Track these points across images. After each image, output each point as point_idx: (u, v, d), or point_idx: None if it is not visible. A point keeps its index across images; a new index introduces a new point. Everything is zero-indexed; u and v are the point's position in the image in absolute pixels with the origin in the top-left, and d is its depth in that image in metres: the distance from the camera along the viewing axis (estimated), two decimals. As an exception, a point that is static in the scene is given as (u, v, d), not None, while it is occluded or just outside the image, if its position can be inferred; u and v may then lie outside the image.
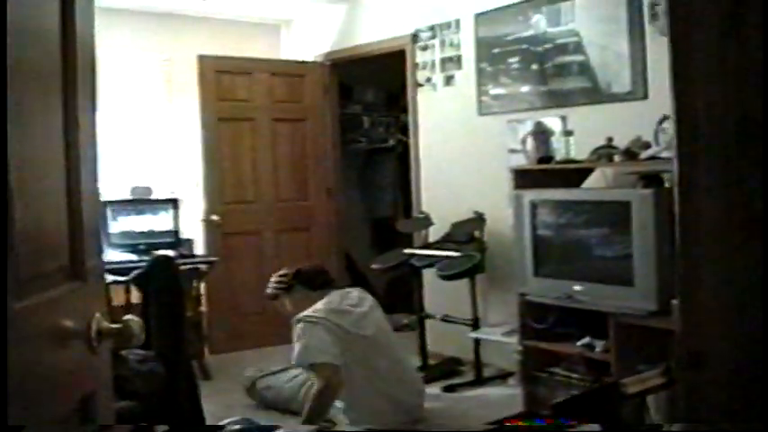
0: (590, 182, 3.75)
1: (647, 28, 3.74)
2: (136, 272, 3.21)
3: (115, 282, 4.07)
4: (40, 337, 1.04)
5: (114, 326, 1.23)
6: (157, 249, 4.92)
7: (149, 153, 5.63)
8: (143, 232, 5.01)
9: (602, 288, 3.33)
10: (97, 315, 1.21)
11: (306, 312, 3.52)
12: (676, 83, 1.39)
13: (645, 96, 3.76)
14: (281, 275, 3.81)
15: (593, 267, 3.45)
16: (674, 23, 1.36)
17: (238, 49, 5.61)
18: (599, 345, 3.36)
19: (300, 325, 3.47)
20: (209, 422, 3.04)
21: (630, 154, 3.49)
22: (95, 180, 1.34)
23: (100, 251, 1.39)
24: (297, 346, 3.45)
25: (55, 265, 1.15)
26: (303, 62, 5.88)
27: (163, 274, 2.89)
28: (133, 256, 4.72)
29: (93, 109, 1.33)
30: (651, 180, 3.40)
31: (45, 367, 1.06)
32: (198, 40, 5.62)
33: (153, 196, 5.27)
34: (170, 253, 4.92)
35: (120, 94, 5.46)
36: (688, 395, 1.35)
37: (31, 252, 1.03)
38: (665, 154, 3.37)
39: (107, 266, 4.37)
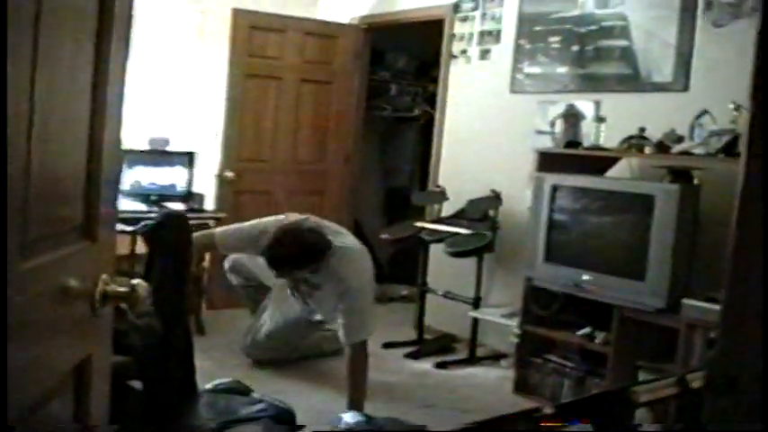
0: (615, 171, 3.61)
1: (699, 18, 3.58)
2: (145, 223, 3.17)
3: (122, 231, 4.04)
4: (41, 297, 1.00)
5: (121, 289, 1.19)
6: (168, 202, 4.92)
7: (172, 104, 5.60)
8: (156, 183, 5.00)
9: (611, 280, 3.22)
10: (104, 276, 1.17)
11: (354, 279, 3.31)
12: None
13: (685, 88, 3.61)
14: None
15: (606, 258, 3.33)
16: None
17: (274, 5, 5.53)
18: (599, 336, 3.28)
19: (357, 295, 3.29)
20: (200, 379, 3.00)
21: (662, 147, 3.36)
22: (119, 134, 1.29)
23: (114, 209, 1.34)
24: (356, 321, 3.26)
25: (68, 225, 1.11)
26: (338, 24, 5.79)
27: (174, 230, 2.84)
28: (143, 206, 4.70)
29: (125, 58, 1.28)
30: (679, 175, 3.26)
31: (43, 328, 1.01)
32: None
33: (170, 148, 5.24)
34: (181, 206, 4.92)
35: (149, 42, 5.43)
36: (720, 421, 1.25)
37: (44, 209, 0.99)
38: (698, 150, 3.24)
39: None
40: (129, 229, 4.06)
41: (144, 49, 5.35)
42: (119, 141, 1.29)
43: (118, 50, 1.21)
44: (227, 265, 4.05)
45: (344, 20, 5.80)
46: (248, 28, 5.35)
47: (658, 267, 3.00)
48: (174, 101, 5.60)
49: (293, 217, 3.54)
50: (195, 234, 3.28)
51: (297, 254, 3.26)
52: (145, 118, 5.37)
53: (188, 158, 5.16)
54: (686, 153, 3.27)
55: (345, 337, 3.26)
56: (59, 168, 1.07)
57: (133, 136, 5.19)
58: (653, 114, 3.62)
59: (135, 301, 1.20)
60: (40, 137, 0.92)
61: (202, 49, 5.65)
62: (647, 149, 3.42)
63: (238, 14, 5.27)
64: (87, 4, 1.11)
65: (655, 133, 3.46)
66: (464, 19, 4.86)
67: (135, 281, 1.21)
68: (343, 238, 3.49)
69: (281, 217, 3.56)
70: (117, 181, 1.35)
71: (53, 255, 1.02)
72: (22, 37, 0.87)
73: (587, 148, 3.67)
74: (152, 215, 4.46)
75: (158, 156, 5.09)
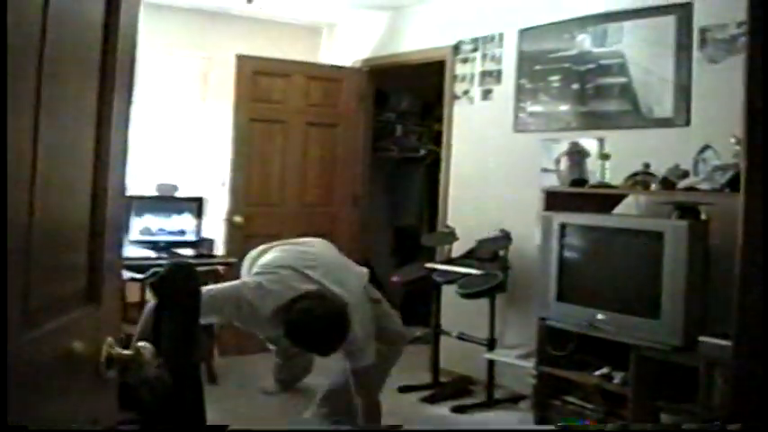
0: (622, 208, 3.66)
1: (695, 54, 3.65)
2: (153, 272, 3.19)
3: (132, 279, 4.08)
4: (45, 365, 0.98)
5: (126, 352, 1.18)
6: (178, 248, 4.96)
7: (178, 150, 5.68)
8: (165, 230, 5.04)
9: (626, 319, 3.23)
10: (109, 340, 1.16)
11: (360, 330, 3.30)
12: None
13: (687, 123, 3.67)
14: None
15: (619, 297, 3.35)
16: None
17: (277, 50, 5.63)
18: (618, 376, 3.27)
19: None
20: (209, 431, 2.99)
21: (667, 183, 3.40)
22: (123, 187, 1.28)
23: (119, 268, 1.32)
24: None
25: (71, 290, 1.08)
26: (341, 67, 5.89)
27: (181, 281, 2.86)
28: (152, 253, 4.74)
29: (129, 106, 1.28)
30: (687, 211, 3.30)
31: (47, 395, 0.99)
32: (238, 39, 5.66)
33: (178, 194, 5.29)
34: (191, 252, 4.96)
35: (155, 89, 5.53)
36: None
37: (46, 274, 0.96)
38: (703, 185, 3.29)
39: (125, 262, 4.43)
40: (139, 277, 4.10)
41: (150, 97, 5.45)
42: (123, 194, 1.28)
43: (121, 99, 1.20)
44: None
45: (348, 62, 5.91)
46: (252, 73, 5.43)
47: (672, 305, 3.02)
48: (181, 147, 5.68)
49: (251, 284, 3.39)
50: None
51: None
52: (152, 164, 5.45)
53: (196, 204, 5.21)
54: (692, 189, 3.31)
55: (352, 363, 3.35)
56: (61, 231, 1.04)
57: (141, 183, 5.26)
58: (656, 150, 3.67)
59: (140, 365, 1.20)
60: (41, 198, 0.90)
61: (208, 95, 5.76)
62: (653, 186, 3.46)
63: (242, 60, 5.36)
64: (89, 53, 1.10)
65: (659, 169, 3.51)
66: (464, 60, 4.95)
67: (140, 343, 1.21)
68: (340, 280, 3.39)
69: (249, 281, 3.42)
70: (120, 241, 1.34)
71: (57, 322, 1.00)
72: (23, 87, 0.85)
73: (593, 186, 3.71)
74: (162, 262, 4.51)
75: (167, 202, 5.15)
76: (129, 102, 1.26)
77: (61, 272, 1.06)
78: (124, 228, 4.81)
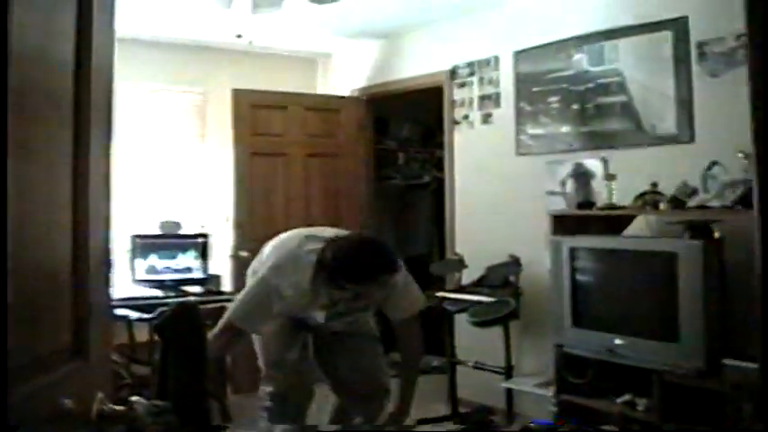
0: (632, 229, 3.62)
1: (695, 68, 3.64)
2: (158, 314, 3.16)
3: (140, 319, 4.05)
4: (31, 427, 0.93)
5: (118, 408, 1.13)
6: (185, 286, 4.92)
7: (180, 187, 5.66)
8: (170, 268, 5.00)
9: (645, 343, 3.19)
10: (100, 396, 1.11)
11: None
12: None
13: (691, 139, 3.65)
14: None
15: (636, 320, 3.31)
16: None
17: (274, 82, 5.63)
18: (641, 403, 3.21)
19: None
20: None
21: (677, 202, 3.37)
22: (107, 232, 1.21)
23: (107, 321, 1.25)
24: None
25: (56, 347, 1.03)
26: (339, 97, 5.88)
27: (185, 323, 2.81)
28: (159, 293, 4.71)
29: (108, 146, 1.21)
30: (699, 230, 3.26)
31: None
32: (233, 73, 5.66)
33: (182, 231, 5.26)
34: (198, 289, 4.92)
35: (152, 127, 5.52)
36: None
37: (28, 332, 0.92)
38: (714, 203, 3.26)
39: (132, 302, 4.40)
40: (147, 317, 4.06)
41: (148, 134, 5.44)
42: (107, 235, 1.21)
43: (99, 136, 1.15)
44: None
45: (345, 92, 5.90)
46: (250, 107, 5.42)
47: (691, 327, 2.98)
48: (183, 184, 5.65)
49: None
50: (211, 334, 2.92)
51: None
52: (154, 203, 5.42)
53: (201, 241, 5.18)
54: (702, 207, 3.28)
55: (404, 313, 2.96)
56: (40, 280, 0.98)
57: (144, 221, 5.23)
58: (662, 168, 3.64)
59: (133, 420, 1.15)
60: (16, 245, 0.85)
61: (206, 130, 5.73)
62: (662, 205, 3.43)
63: (238, 94, 5.36)
64: (61, 92, 1.06)
65: (667, 187, 3.48)
66: (462, 85, 4.94)
67: (133, 398, 1.17)
68: None
69: (262, 274, 2.93)
70: (108, 284, 1.25)
71: (41, 381, 0.96)
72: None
73: (601, 208, 3.68)
74: (169, 301, 4.48)
75: (171, 240, 5.11)
76: (107, 139, 1.21)
77: (42, 325, 1.00)
78: (130, 267, 4.81)
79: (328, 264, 2.71)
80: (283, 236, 3.16)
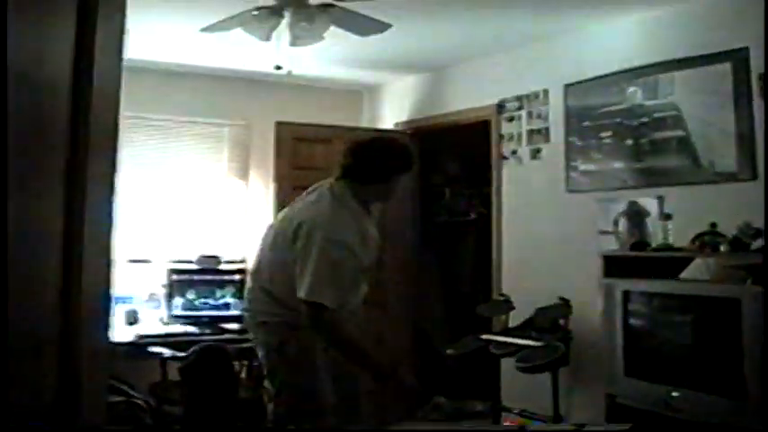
0: (689, 272, 3.48)
1: (756, 102, 3.51)
2: (185, 354, 3.12)
3: (174, 357, 4.04)
4: None
5: None
6: (222, 323, 4.92)
7: (221, 221, 5.69)
8: (208, 304, 5.01)
9: (705, 398, 3.03)
10: None
11: None
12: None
13: (753, 177, 3.51)
14: None
15: (696, 372, 3.15)
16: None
17: (319, 115, 5.66)
18: (700, 462, 3.04)
19: None
20: None
21: (738, 243, 3.23)
22: (108, 276, 1.11)
23: (104, 369, 1.16)
24: None
25: (33, 405, 0.94)
26: (383, 130, 5.86)
27: (212, 366, 2.76)
28: (194, 329, 4.70)
29: (111, 177, 1.13)
30: (762, 274, 3.11)
31: None
32: (278, 105, 5.73)
33: (221, 266, 5.28)
34: (235, 326, 4.89)
35: (193, 159, 5.59)
36: None
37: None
38: (779, 245, 3.11)
39: (166, 339, 4.40)
40: (181, 355, 4.04)
41: (189, 167, 5.50)
42: (107, 279, 1.11)
43: (99, 167, 1.08)
44: None
45: (390, 125, 5.89)
46: (293, 140, 5.45)
47: (758, 382, 2.82)
48: (223, 217, 5.68)
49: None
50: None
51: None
52: (194, 236, 5.46)
53: (239, 277, 5.17)
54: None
55: None
56: (21, 337, 0.89)
57: (182, 254, 5.26)
58: (722, 207, 3.52)
59: None
60: None
61: (250, 164, 5.77)
62: (723, 247, 3.30)
63: (282, 127, 5.39)
64: (56, 119, 1.00)
65: (727, 228, 3.34)
66: (510, 119, 4.88)
67: None
68: None
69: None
70: (106, 340, 1.13)
71: None
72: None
73: (656, 249, 3.55)
74: (205, 338, 4.47)
75: (208, 274, 5.12)
76: (111, 168, 1.13)
77: (23, 392, 0.91)
78: (167, 302, 4.82)
79: (357, 164, 2.70)
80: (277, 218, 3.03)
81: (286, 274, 2.60)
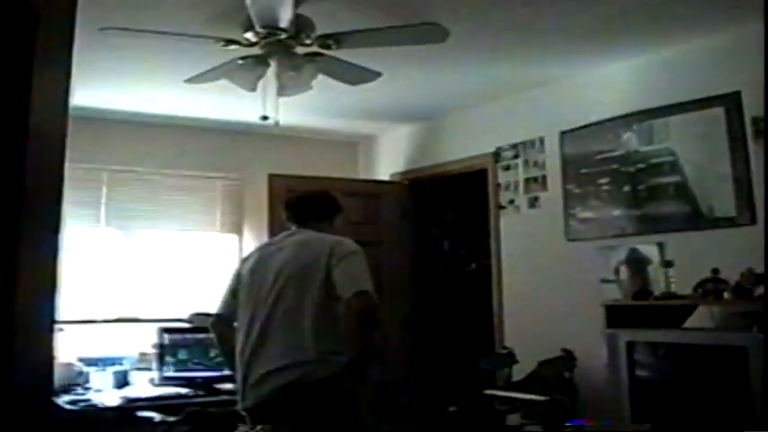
0: (693, 320, 3.50)
1: (751, 145, 3.59)
2: (186, 414, 3.08)
3: (164, 422, 3.97)
4: None
5: None
6: (217, 383, 4.87)
7: (212, 277, 5.70)
8: (202, 363, 4.96)
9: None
10: None
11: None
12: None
13: (752, 221, 3.56)
14: None
15: (704, 422, 3.14)
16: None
17: (313, 166, 5.71)
18: None
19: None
20: None
21: (742, 290, 3.26)
22: (50, 351, 1.09)
23: None
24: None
25: None
26: (380, 181, 5.94)
27: None
28: (187, 391, 4.64)
29: (52, 235, 1.10)
30: (764, 321, 3.13)
31: None
32: (271, 158, 5.79)
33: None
34: (230, 387, 4.84)
35: (183, 213, 5.62)
36: None
37: None
38: (782, 290, 3.13)
39: (156, 403, 4.33)
40: (171, 419, 3.96)
41: (180, 222, 5.53)
42: (50, 354, 1.09)
43: (37, 224, 1.03)
44: None
45: (386, 176, 5.96)
46: (286, 192, 5.46)
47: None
48: (216, 273, 5.69)
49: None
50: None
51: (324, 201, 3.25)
52: (185, 293, 5.45)
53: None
54: (769, 295, 3.16)
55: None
56: None
57: (174, 312, 5.24)
58: (723, 253, 3.56)
59: None
60: None
61: (243, 218, 5.81)
62: (726, 294, 3.33)
63: (275, 179, 5.44)
64: None
65: (729, 274, 3.38)
66: (506, 167, 4.94)
67: None
68: None
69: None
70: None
71: None
72: None
73: (659, 298, 3.58)
74: (198, 400, 4.40)
75: (201, 333, 5.07)
76: (54, 225, 1.10)
77: None
78: (158, 363, 4.75)
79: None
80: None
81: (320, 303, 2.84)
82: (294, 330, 2.81)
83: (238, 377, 2.94)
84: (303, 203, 3.23)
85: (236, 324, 3.03)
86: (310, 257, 2.90)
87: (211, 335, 3.19)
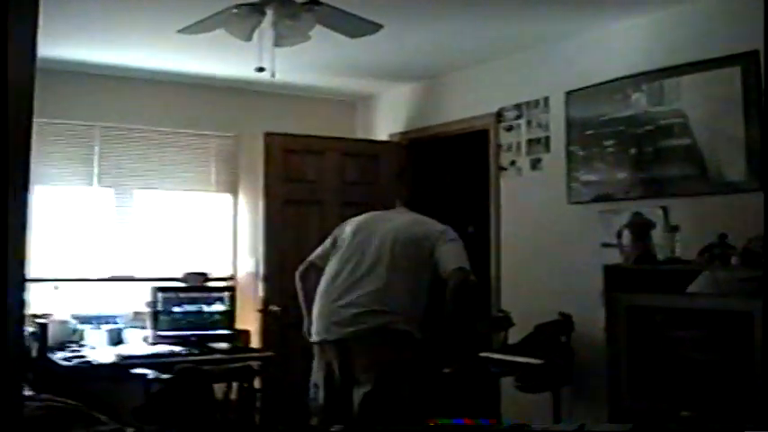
0: (696, 286, 3.41)
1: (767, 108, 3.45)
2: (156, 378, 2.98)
3: (157, 379, 3.94)
4: None
5: None
6: (210, 341, 4.83)
7: (207, 236, 5.62)
8: (194, 323, 4.92)
9: (715, 419, 2.95)
10: None
11: None
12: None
13: (762, 187, 3.44)
14: None
15: (706, 393, 3.07)
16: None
17: (310, 126, 5.60)
18: (711, 488, 2.96)
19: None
20: None
21: (751, 256, 3.16)
22: (21, 314, 1.07)
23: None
24: None
25: None
26: (377, 142, 5.83)
27: (188, 394, 2.67)
28: (181, 349, 4.61)
29: (21, 195, 1.07)
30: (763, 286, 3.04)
31: None
32: (268, 116, 5.68)
33: (208, 284, 5.20)
34: (223, 345, 4.80)
35: (177, 172, 5.51)
36: None
37: None
38: (791, 256, 3.04)
39: (150, 360, 4.30)
40: (165, 377, 3.91)
41: (173, 181, 5.43)
42: (21, 317, 1.07)
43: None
44: None
45: (384, 137, 5.84)
46: (283, 152, 5.38)
47: (768, 401, 2.75)
48: (211, 233, 5.61)
49: None
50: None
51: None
52: (180, 252, 5.38)
53: (228, 294, 5.09)
54: (778, 261, 3.07)
55: None
56: None
57: (168, 271, 5.19)
58: (731, 218, 3.46)
59: None
60: None
61: (239, 177, 5.70)
62: (734, 260, 3.24)
63: (271, 138, 5.33)
64: None
65: (736, 240, 3.29)
66: (509, 128, 4.83)
67: None
68: None
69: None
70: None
71: None
72: None
73: (663, 262, 3.49)
74: (193, 358, 4.37)
75: (195, 292, 5.04)
76: (22, 183, 1.07)
77: None
78: (152, 321, 4.72)
79: None
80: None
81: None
82: (391, 286, 3.33)
83: (316, 312, 3.45)
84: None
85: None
86: (421, 233, 3.46)
87: (296, 281, 3.69)
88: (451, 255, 3.37)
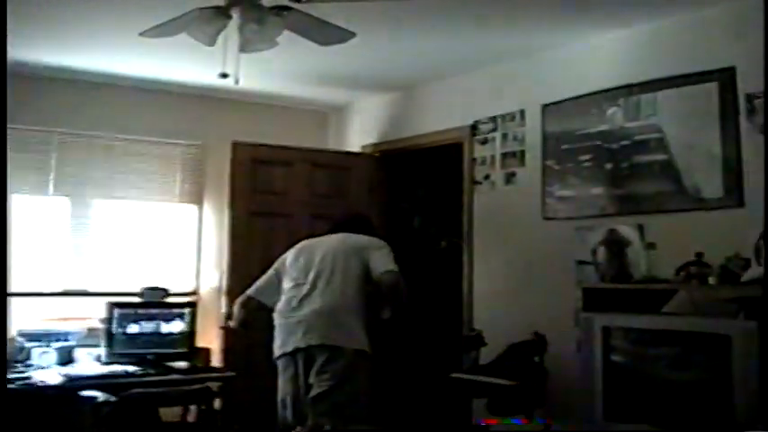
0: (673, 306, 3.37)
1: (743, 124, 3.45)
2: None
3: (106, 402, 3.78)
4: None
5: None
6: (168, 361, 4.70)
7: (168, 250, 5.49)
8: (152, 341, 4.77)
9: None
10: None
11: None
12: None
13: (740, 204, 3.43)
14: None
15: (684, 415, 3.02)
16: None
17: (281, 136, 5.50)
18: None
19: None
20: None
21: (728, 275, 3.14)
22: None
23: None
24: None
25: None
26: (348, 153, 5.76)
27: (136, 421, 2.56)
28: (137, 369, 4.44)
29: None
30: (753, 308, 3.01)
31: None
32: (235, 124, 5.59)
33: (168, 299, 5.05)
34: (182, 365, 4.66)
35: (141, 182, 5.40)
36: None
37: None
38: (770, 276, 3.01)
39: (101, 381, 4.14)
40: (113, 399, 3.78)
41: (136, 190, 5.31)
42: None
43: None
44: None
45: (356, 148, 5.78)
46: (251, 162, 5.29)
47: (751, 426, 2.70)
48: (174, 245, 5.49)
49: None
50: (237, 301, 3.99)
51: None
52: (139, 266, 5.25)
53: (188, 310, 4.95)
54: (758, 281, 3.04)
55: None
56: None
57: (126, 286, 5.04)
58: (708, 236, 3.44)
59: None
60: None
61: (205, 188, 5.59)
62: (711, 279, 3.21)
63: (239, 148, 5.24)
64: None
65: (715, 258, 3.26)
66: (483, 141, 4.79)
67: None
68: None
69: None
70: None
71: None
72: None
73: (639, 281, 3.45)
74: (149, 379, 4.22)
75: (154, 310, 4.88)
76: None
77: None
78: (106, 336, 4.57)
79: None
80: None
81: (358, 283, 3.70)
82: (342, 295, 3.63)
83: (276, 329, 3.73)
84: (348, 221, 4.08)
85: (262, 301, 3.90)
86: (353, 246, 3.78)
87: (234, 309, 4.02)
88: (380, 260, 3.71)
